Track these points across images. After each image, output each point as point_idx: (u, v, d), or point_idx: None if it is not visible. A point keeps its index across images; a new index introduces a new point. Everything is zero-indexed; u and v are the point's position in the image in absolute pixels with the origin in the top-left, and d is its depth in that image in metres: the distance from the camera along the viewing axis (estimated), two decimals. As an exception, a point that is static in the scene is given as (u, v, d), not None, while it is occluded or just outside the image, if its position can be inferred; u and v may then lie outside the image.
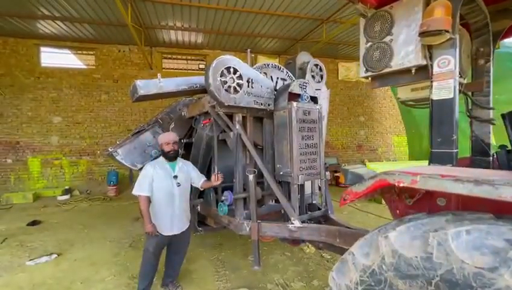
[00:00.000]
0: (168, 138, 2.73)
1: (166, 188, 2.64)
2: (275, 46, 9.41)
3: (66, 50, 9.01)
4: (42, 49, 8.71)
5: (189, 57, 9.96)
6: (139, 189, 2.59)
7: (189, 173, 2.85)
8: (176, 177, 2.70)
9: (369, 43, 1.63)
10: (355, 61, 11.37)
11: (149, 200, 2.63)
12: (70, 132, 8.76)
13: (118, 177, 8.29)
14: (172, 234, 2.70)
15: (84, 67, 9.16)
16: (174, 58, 9.96)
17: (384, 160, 11.95)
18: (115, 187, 8.13)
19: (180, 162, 2.84)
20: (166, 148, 2.69)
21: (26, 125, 8.44)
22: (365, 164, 7.47)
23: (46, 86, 8.54)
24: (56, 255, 3.84)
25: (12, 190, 8.19)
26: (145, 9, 6.69)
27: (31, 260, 3.70)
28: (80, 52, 9.22)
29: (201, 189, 3.03)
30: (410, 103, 2.01)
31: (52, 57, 8.86)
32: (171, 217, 2.67)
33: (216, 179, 2.76)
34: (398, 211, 1.46)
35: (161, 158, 2.78)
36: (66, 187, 8.25)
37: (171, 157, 2.73)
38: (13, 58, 8.30)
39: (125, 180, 8.59)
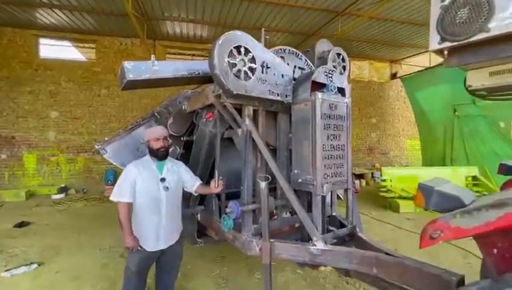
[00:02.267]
0: (157, 133, 2.26)
1: (151, 193, 2.17)
2: (284, 41, 8.89)
3: (66, 42, 8.63)
4: (41, 40, 8.34)
5: (194, 52, 9.50)
6: (119, 194, 2.10)
7: (180, 175, 2.37)
8: (163, 180, 2.22)
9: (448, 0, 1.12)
10: (368, 60, 10.82)
11: (130, 207, 2.16)
12: (68, 128, 8.36)
13: (115, 176, 7.85)
14: (157, 250, 2.22)
15: (84, 60, 8.77)
16: (178, 54, 9.52)
17: (396, 164, 11.36)
18: (112, 186, 7.67)
19: (170, 163, 2.36)
20: (156, 145, 2.22)
21: (22, 119, 8.06)
22: (380, 170, 6.92)
23: (44, 79, 8.16)
24: (36, 266, 3.38)
25: (6, 187, 7.82)
26: (147, -4, 6.25)
27: (7, 270, 3.25)
28: (80, 44, 8.83)
29: (196, 194, 2.55)
30: (483, 93, 1.48)
31: (51, 49, 8.49)
32: (157, 229, 2.19)
33: (216, 186, 2.30)
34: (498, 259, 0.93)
35: (147, 157, 2.30)
36: (62, 185, 7.85)
37: (161, 155, 2.25)
38: (10, 49, 7.94)
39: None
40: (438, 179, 1.09)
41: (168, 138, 2.33)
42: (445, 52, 1.18)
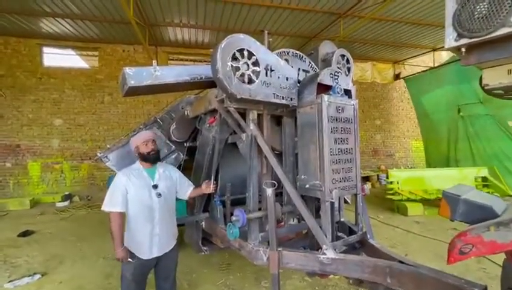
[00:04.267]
0: (145, 136, 2.21)
1: (143, 201, 2.11)
2: (285, 44, 8.87)
3: (69, 50, 8.70)
4: (45, 49, 8.42)
5: (196, 58, 9.52)
6: (110, 204, 2.04)
7: (173, 180, 2.33)
8: (155, 186, 2.17)
9: (466, -7, 1.05)
10: (371, 61, 10.73)
11: (122, 217, 2.10)
12: (72, 135, 8.39)
13: (119, 182, 7.82)
14: (152, 257, 2.17)
15: (88, 67, 8.82)
16: (180, 60, 9.55)
17: (402, 166, 11.19)
18: (116, 193, 7.65)
19: (161, 168, 2.30)
20: (146, 149, 2.16)
21: (26, 127, 8.11)
22: (386, 172, 6.80)
23: (48, 87, 8.22)
24: (40, 276, 3.33)
25: (11, 195, 7.84)
26: (148, 2, 6.26)
27: (10, 281, 3.20)
28: (83, 52, 8.89)
29: (187, 199, 2.49)
30: (500, 92, 1.41)
31: (55, 58, 8.56)
32: (150, 237, 2.13)
33: (208, 187, 2.34)
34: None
35: (136, 165, 2.24)
36: (66, 193, 7.84)
37: (153, 159, 2.20)
38: (15, 59, 8.02)
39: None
40: (462, 185, 1.01)
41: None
42: (463, 50, 1.12)
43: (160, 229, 2.17)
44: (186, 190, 2.40)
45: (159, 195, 2.16)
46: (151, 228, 2.13)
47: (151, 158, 2.18)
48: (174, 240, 2.34)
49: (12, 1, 6.08)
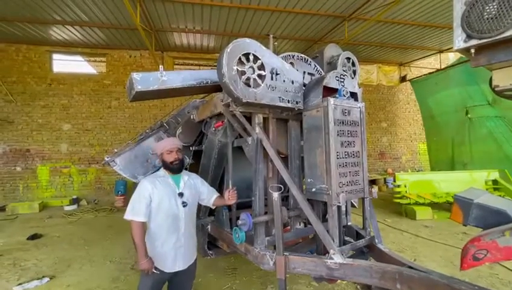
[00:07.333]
0: (170, 144, 2.12)
1: (169, 211, 2.00)
2: (290, 48, 8.91)
3: (77, 56, 8.89)
4: (54, 56, 8.62)
5: (201, 62, 9.62)
6: (132, 213, 1.94)
7: (197, 188, 2.24)
8: (181, 194, 2.08)
9: (475, -7, 1.04)
10: (376, 64, 10.67)
11: (145, 227, 2.01)
12: (80, 140, 8.53)
13: (126, 186, 7.89)
14: (175, 271, 2.06)
15: (95, 73, 8.99)
16: (186, 64, 9.66)
17: (409, 169, 11.03)
18: (122, 197, 7.72)
19: (186, 175, 2.20)
20: (169, 158, 2.08)
21: (36, 132, 8.27)
22: (393, 175, 6.71)
23: (57, 93, 8.40)
24: (48, 279, 3.37)
25: (21, 198, 7.98)
26: (155, 9, 6.38)
27: (19, 284, 3.24)
28: (91, 58, 9.08)
29: (213, 207, 2.43)
30: (510, 93, 1.39)
31: (64, 64, 8.76)
32: (175, 248, 2.03)
33: (230, 197, 2.19)
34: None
35: (161, 171, 2.17)
36: (74, 197, 7.96)
37: (176, 169, 2.11)
38: (25, 65, 8.22)
39: (133, 191, 8.19)
40: (474, 189, 0.99)
41: (181, 150, 2.22)
42: (472, 51, 1.10)
43: (185, 239, 2.07)
44: (210, 197, 2.29)
45: (185, 204, 2.06)
46: (176, 239, 2.03)
47: (175, 168, 2.09)
48: (196, 252, 2.24)
49: (24, 10, 6.27)
